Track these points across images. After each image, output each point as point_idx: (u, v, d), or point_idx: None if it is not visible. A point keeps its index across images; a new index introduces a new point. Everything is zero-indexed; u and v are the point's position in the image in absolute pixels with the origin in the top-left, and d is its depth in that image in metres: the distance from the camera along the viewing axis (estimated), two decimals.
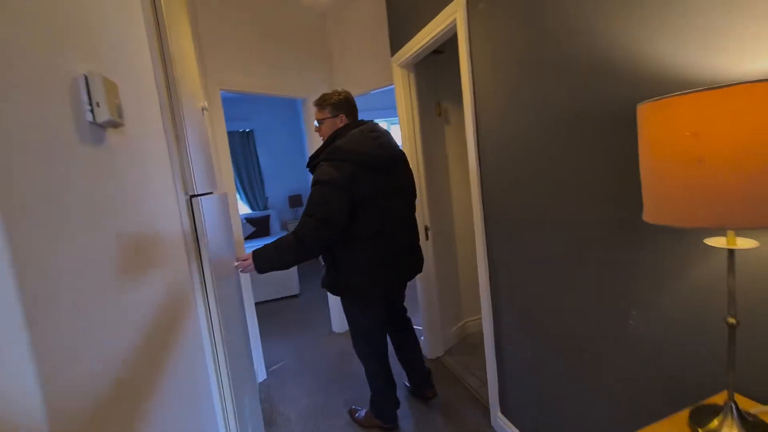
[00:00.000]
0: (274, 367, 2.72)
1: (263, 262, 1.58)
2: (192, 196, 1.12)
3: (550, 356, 1.40)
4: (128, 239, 0.66)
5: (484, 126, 1.60)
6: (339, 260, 1.68)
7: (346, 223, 1.54)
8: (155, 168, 0.85)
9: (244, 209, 5.89)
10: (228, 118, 5.59)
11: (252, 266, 1.59)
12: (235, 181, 5.84)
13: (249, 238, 5.27)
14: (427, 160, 2.52)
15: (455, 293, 2.78)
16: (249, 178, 5.90)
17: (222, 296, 1.26)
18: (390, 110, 3.31)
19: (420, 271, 1.89)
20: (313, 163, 1.66)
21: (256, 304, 3.92)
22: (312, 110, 2.83)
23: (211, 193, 1.60)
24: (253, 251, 1.61)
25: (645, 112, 0.71)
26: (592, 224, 1.13)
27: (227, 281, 1.43)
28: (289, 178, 6.17)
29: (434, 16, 1.84)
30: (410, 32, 2.13)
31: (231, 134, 5.75)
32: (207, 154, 1.52)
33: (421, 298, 2.55)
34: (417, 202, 2.19)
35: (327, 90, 3.01)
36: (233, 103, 5.39)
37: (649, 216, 0.73)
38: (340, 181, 1.48)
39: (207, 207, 1.23)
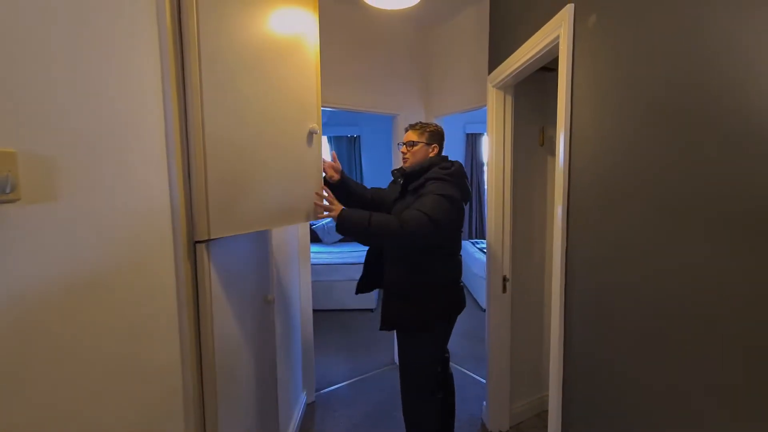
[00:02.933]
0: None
1: (348, 222, 1.46)
2: (197, 242, 1.03)
3: None
4: None
5: (577, 188, 1.19)
6: (421, 286, 1.63)
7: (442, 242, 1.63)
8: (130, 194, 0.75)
9: None
10: (338, 123, 5.86)
11: (335, 216, 1.47)
12: None
13: (342, 241, 5.34)
14: (517, 199, 2.11)
15: (536, 359, 2.30)
16: None
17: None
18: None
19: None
20: (416, 179, 1.63)
21: (322, 311, 3.77)
22: (400, 127, 2.68)
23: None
24: (344, 209, 1.48)
25: None
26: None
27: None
28: (384, 185, 6.11)
29: (534, 32, 1.46)
30: (508, 49, 1.77)
31: (339, 139, 5.95)
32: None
33: (489, 358, 2.17)
34: (496, 247, 2.13)
35: (420, 107, 2.85)
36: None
37: None
38: (459, 202, 1.57)
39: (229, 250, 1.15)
